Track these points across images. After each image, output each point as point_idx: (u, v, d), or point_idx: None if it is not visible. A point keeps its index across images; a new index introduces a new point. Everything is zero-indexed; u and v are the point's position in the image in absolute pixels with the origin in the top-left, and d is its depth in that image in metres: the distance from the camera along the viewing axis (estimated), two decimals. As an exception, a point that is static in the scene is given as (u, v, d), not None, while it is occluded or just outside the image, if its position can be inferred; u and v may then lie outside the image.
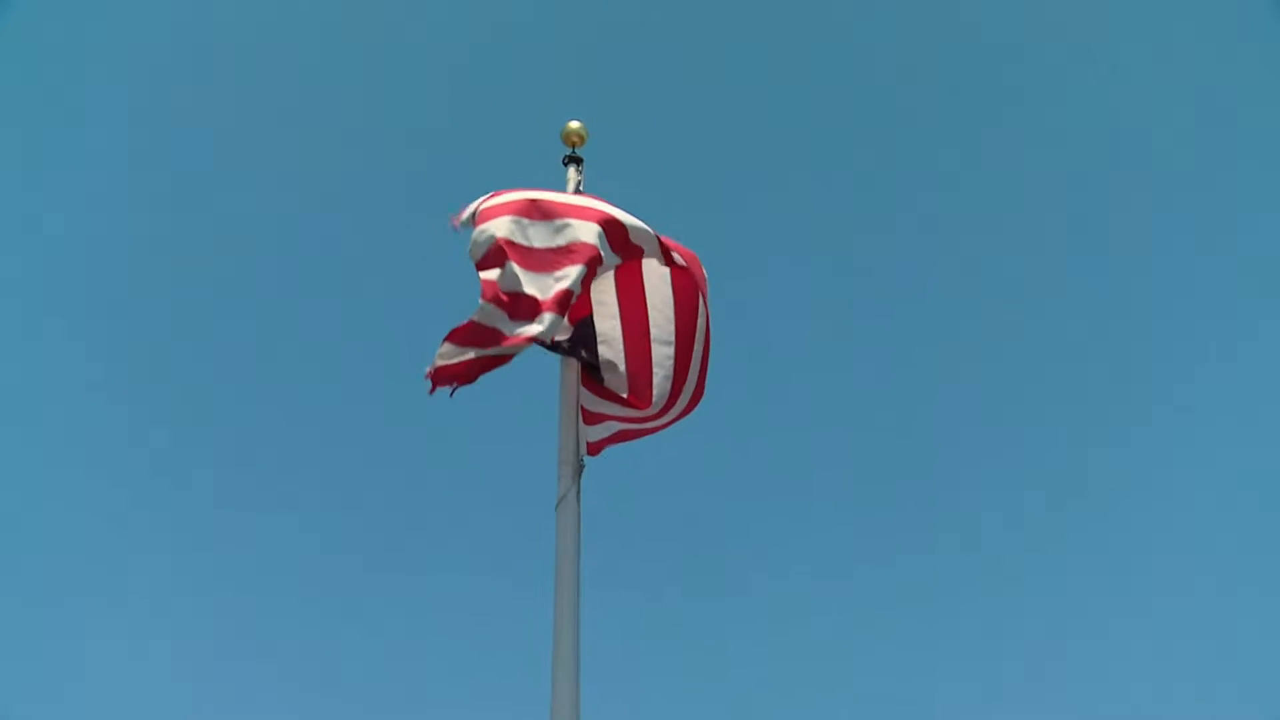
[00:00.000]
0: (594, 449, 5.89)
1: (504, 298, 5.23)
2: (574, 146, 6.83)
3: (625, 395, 5.80)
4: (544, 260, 5.37)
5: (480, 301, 5.22)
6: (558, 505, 5.57)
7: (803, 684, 14.10)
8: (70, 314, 15.64)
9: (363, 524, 15.81)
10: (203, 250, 16.79)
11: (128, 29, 16.12)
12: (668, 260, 5.77)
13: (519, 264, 5.29)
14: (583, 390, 5.81)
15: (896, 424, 17.20)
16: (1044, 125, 17.73)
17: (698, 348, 5.84)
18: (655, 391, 5.75)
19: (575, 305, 5.46)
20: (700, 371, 5.87)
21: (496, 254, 5.33)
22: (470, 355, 5.20)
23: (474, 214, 5.48)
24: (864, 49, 18.71)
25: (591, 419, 5.81)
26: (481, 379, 5.37)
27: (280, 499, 15.86)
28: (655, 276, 5.95)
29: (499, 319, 5.20)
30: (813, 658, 14.43)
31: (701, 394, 5.92)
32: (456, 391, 5.22)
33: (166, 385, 16.06)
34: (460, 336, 5.21)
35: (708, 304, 5.86)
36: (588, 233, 5.47)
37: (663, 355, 5.79)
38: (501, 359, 5.29)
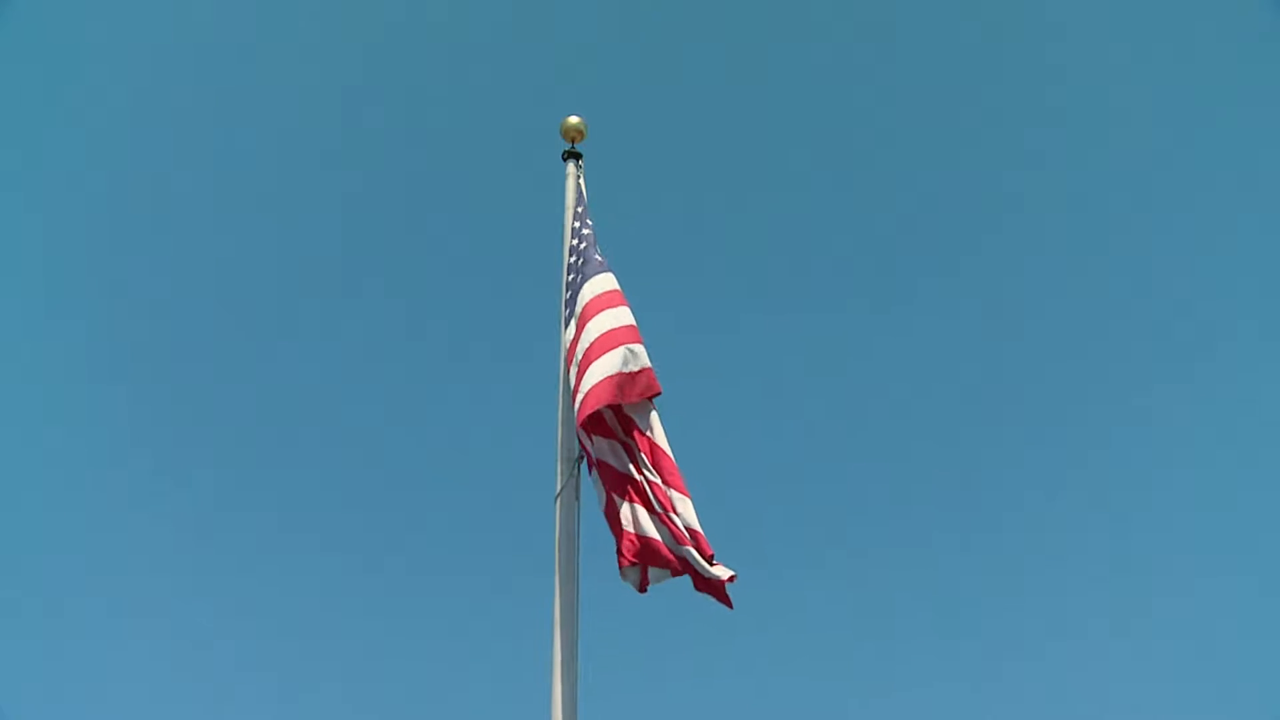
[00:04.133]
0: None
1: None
2: (573, 142, 6.84)
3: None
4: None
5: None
6: (556, 498, 5.60)
7: (802, 683, 14.12)
8: (70, 313, 15.68)
9: (362, 524, 15.83)
10: (202, 249, 16.83)
11: (127, 29, 16.17)
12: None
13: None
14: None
15: (895, 423, 17.24)
16: (1043, 125, 17.79)
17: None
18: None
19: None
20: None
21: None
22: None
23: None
24: (864, 48, 18.76)
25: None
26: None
27: (280, 499, 15.89)
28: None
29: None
30: (812, 657, 14.45)
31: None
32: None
33: (166, 385, 16.09)
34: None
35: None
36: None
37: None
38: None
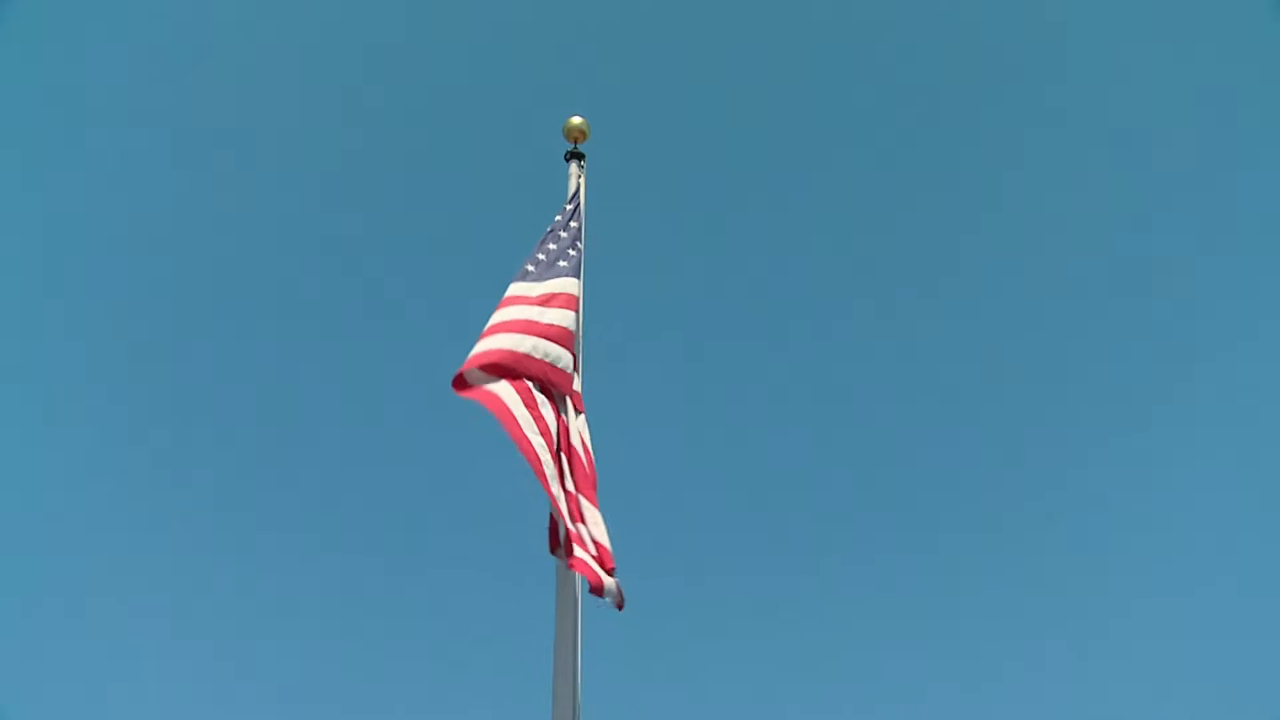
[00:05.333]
0: None
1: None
2: (576, 142, 6.86)
3: None
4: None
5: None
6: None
7: (800, 684, 14.12)
8: (71, 313, 15.68)
9: (362, 523, 15.83)
10: (203, 250, 16.82)
11: (128, 29, 16.16)
12: None
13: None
14: None
15: (894, 423, 17.24)
16: (1043, 125, 17.78)
17: None
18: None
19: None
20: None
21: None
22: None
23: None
24: (863, 49, 18.76)
25: None
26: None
27: (281, 499, 15.89)
28: None
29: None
30: (811, 657, 14.46)
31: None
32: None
33: (167, 385, 16.09)
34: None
35: None
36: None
37: None
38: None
